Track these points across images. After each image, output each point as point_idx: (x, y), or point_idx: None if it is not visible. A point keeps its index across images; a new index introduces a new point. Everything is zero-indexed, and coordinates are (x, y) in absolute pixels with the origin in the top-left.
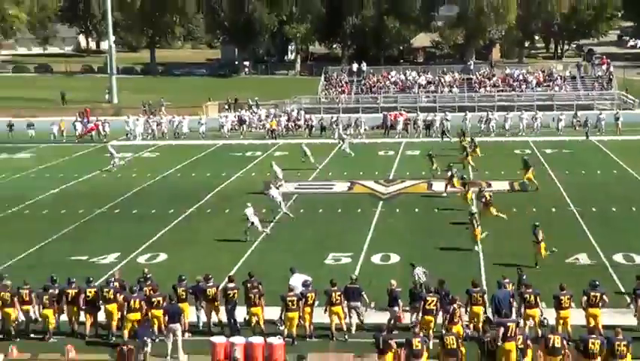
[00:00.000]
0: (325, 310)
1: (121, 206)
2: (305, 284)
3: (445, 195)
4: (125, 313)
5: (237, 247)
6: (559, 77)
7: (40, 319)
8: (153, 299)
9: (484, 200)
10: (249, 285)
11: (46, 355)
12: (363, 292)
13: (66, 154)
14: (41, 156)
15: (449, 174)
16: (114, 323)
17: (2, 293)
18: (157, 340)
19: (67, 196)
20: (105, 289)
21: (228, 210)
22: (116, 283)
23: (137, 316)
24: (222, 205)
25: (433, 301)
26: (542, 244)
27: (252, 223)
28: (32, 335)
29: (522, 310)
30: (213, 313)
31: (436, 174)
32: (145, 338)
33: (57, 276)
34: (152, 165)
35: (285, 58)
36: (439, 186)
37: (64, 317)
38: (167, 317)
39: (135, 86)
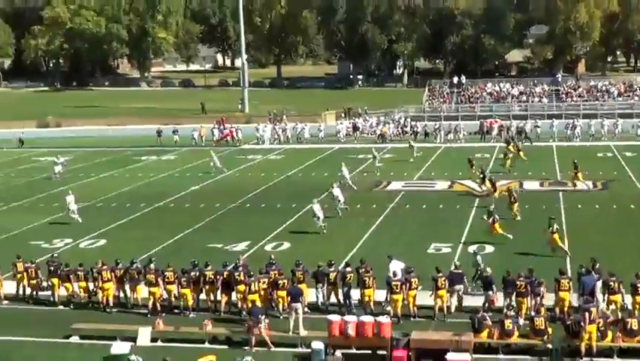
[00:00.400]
0: (431, 294)
1: (251, 201)
2: (408, 271)
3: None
4: (246, 294)
5: (351, 236)
6: (638, 88)
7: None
8: (279, 282)
9: (512, 199)
10: (361, 270)
11: (186, 328)
12: (465, 277)
13: (205, 156)
14: (184, 158)
15: (482, 175)
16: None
17: (149, 275)
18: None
19: (205, 192)
20: (236, 273)
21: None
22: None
23: (255, 297)
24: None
25: (522, 285)
26: (556, 235)
27: (318, 218)
28: (175, 311)
29: (606, 296)
30: (332, 295)
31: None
32: (259, 315)
33: (197, 260)
34: (277, 166)
35: (394, 72)
36: (529, 185)
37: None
38: (289, 298)
39: (264, 97)
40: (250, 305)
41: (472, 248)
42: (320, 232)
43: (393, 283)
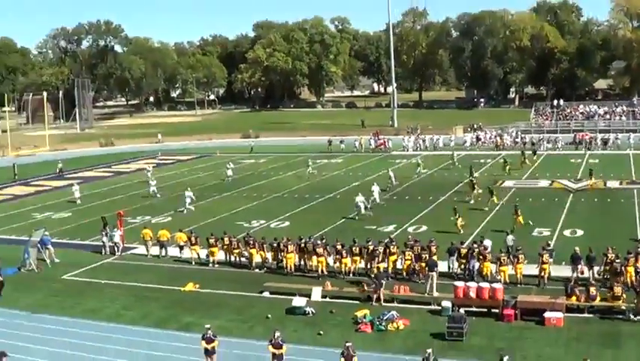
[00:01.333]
0: (536, 266)
1: (398, 194)
2: (517, 249)
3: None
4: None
5: (474, 221)
6: None
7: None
8: (423, 255)
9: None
10: (481, 248)
11: (348, 288)
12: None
13: (363, 160)
14: (348, 161)
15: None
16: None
17: (318, 248)
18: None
19: (364, 186)
20: (391, 245)
21: (468, 198)
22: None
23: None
24: (462, 194)
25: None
26: (520, 218)
27: (359, 208)
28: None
29: None
30: (461, 265)
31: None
32: (381, 280)
33: (356, 238)
34: (416, 166)
35: (508, 96)
36: (612, 183)
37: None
38: (427, 267)
39: (409, 115)
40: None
41: (566, 232)
42: (364, 217)
43: (502, 258)
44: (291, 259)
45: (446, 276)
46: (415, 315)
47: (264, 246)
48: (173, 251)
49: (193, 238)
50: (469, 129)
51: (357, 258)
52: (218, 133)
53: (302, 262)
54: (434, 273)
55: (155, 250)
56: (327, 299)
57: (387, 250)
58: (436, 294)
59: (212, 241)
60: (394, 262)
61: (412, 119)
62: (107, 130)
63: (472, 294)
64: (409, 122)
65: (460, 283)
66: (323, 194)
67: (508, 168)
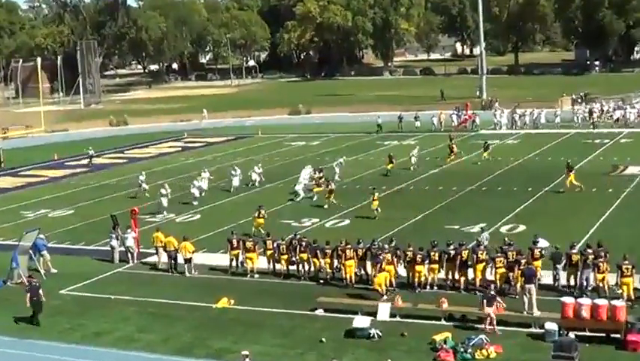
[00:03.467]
0: None
1: (488, 184)
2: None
3: None
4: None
5: (586, 219)
6: None
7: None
8: (522, 261)
9: None
10: (595, 254)
11: (424, 305)
12: None
13: (443, 142)
14: (423, 143)
15: None
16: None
17: (385, 254)
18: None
19: (443, 175)
20: (479, 250)
21: (578, 190)
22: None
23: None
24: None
25: None
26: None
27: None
28: (413, 289)
29: None
30: (571, 276)
31: None
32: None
33: (436, 240)
34: (514, 150)
35: (631, 57)
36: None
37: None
38: (523, 278)
39: (501, 83)
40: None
41: None
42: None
43: (624, 266)
44: (351, 267)
45: (549, 289)
46: (509, 340)
47: (318, 251)
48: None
49: (235, 242)
50: (579, 101)
51: (436, 266)
52: (259, 108)
53: (363, 271)
54: (533, 285)
55: (166, 259)
56: (398, 318)
57: (475, 256)
58: (537, 313)
59: (249, 244)
60: (482, 271)
61: (506, 88)
62: (120, 105)
63: (585, 314)
64: (504, 92)
65: (568, 300)
66: (391, 185)
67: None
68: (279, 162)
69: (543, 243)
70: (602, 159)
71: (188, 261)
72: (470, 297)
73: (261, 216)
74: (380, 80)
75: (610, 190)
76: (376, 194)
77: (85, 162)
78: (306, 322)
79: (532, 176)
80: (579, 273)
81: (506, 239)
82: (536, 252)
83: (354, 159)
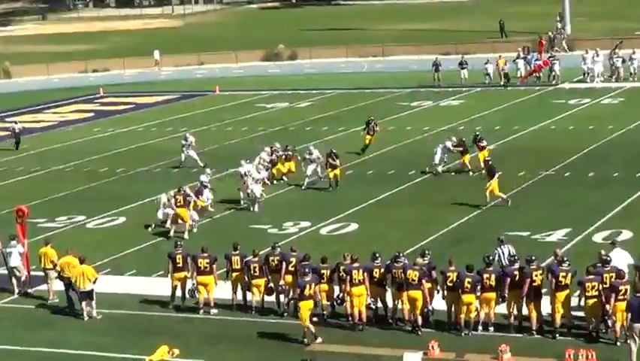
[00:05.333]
0: None
1: (573, 167)
2: None
3: None
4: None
5: None
6: None
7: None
8: (623, 287)
9: None
10: None
11: (473, 356)
12: None
13: (504, 101)
14: (472, 103)
15: None
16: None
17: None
18: None
19: (504, 153)
20: (560, 271)
21: None
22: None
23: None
24: None
25: None
26: None
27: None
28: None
29: None
30: None
31: None
32: None
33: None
34: (614, 114)
35: None
36: None
37: None
38: (629, 313)
39: (594, 11)
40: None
41: None
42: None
43: None
44: (362, 297)
45: None
46: None
47: (306, 270)
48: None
49: (180, 258)
50: None
51: (493, 295)
52: (215, 51)
53: (381, 304)
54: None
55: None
56: None
57: (554, 280)
58: None
59: (203, 261)
60: (565, 302)
61: (601, 17)
62: None
63: None
64: (597, 23)
65: None
66: (418, 169)
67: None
68: (247, 133)
69: (622, 257)
70: None
71: (87, 296)
72: (546, 341)
73: (179, 204)
74: (404, 6)
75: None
76: None
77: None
78: None
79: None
80: None
81: (602, 252)
82: None
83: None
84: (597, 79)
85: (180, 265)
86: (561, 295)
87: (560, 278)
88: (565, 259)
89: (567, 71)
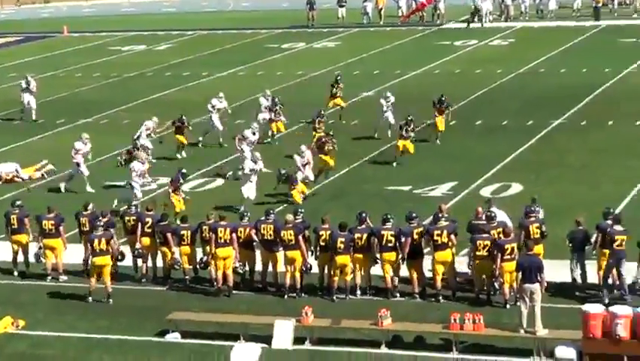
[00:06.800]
0: None
1: (459, 115)
2: None
3: None
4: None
5: (622, 179)
6: None
7: None
8: (510, 245)
9: None
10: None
11: (351, 323)
12: None
13: (384, 43)
14: (351, 45)
15: None
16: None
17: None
18: None
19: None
20: (435, 230)
21: (612, 122)
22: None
23: None
24: (606, 114)
25: None
26: None
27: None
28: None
29: None
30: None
31: None
32: None
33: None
34: (503, 56)
35: None
36: None
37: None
38: (520, 274)
39: None
40: None
41: None
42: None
43: None
44: (229, 259)
45: (564, 292)
46: None
47: (169, 234)
48: None
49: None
50: None
51: (361, 256)
52: None
53: (248, 267)
54: (536, 285)
55: None
56: (308, 346)
57: (431, 239)
58: (542, 331)
59: (48, 223)
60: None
61: None
62: None
63: (623, 331)
64: None
65: (595, 308)
66: (294, 118)
67: None
68: (100, 79)
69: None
70: None
71: None
72: (429, 305)
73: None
74: None
75: None
76: None
77: None
78: (151, 356)
79: (532, 100)
80: (620, 263)
81: (480, 209)
82: (534, 228)
83: (231, 74)
84: (485, 18)
85: (15, 226)
86: (439, 255)
87: (435, 237)
88: (445, 215)
89: (453, 9)
